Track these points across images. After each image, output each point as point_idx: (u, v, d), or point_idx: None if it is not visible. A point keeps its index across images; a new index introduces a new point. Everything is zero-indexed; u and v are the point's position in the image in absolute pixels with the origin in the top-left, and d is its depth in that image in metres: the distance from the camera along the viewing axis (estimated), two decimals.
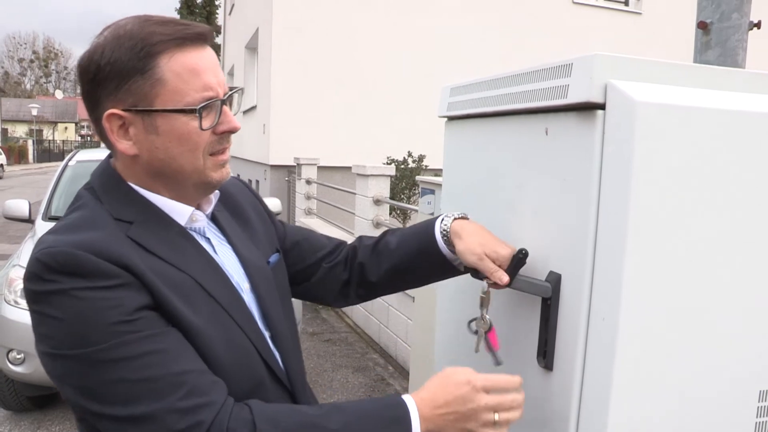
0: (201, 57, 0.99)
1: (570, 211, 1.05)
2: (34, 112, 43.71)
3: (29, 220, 4.75)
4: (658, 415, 1.01)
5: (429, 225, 1.25)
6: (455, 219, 1.23)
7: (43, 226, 4.31)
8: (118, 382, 0.87)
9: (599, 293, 1.00)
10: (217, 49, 24.71)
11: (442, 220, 1.24)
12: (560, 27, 11.47)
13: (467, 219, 1.24)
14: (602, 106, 0.98)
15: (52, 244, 0.91)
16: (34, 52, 69.95)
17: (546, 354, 1.10)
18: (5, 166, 29.76)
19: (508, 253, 1.14)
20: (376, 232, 1.28)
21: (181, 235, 1.04)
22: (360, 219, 6.20)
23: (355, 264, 1.32)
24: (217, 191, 1.12)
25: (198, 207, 1.09)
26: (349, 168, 6.51)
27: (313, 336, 5.70)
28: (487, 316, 1.18)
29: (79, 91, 1.06)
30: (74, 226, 0.96)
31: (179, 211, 1.05)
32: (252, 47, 13.46)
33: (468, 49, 10.80)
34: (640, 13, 12.60)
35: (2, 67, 67.99)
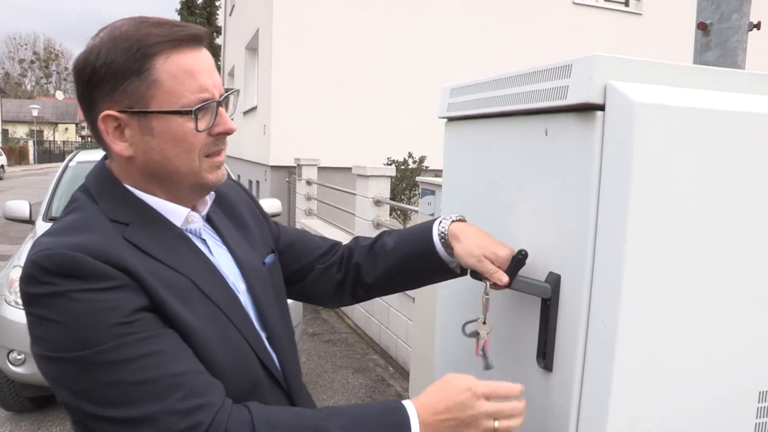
0: (197, 58, 0.99)
1: (569, 212, 1.05)
2: (35, 113, 43.73)
3: (30, 221, 4.75)
4: (658, 416, 1.02)
5: (426, 227, 1.25)
6: (453, 221, 1.23)
7: (43, 227, 4.31)
8: (116, 384, 0.87)
9: (599, 294, 1.00)
10: (217, 49, 24.76)
11: (440, 222, 1.24)
12: (560, 27, 11.47)
13: (464, 221, 1.24)
14: (602, 107, 0.98)
15: (48, 246, 0.91)
16: (34, 53, 70.00)
17: (546, 355, 1.10)
18: (6, 167, 29.77)
19: (507, 254, 1.14)
20: (377, 233, 1.30)
21: (177, 236, 1.04)
22: (360, 220, 6.20)
23: (351, 265, 1.32)
24: (212, 192, 1.12)
25: (193, 208, 1.09)
26: (350, 169, 6.51)
27: (314, 337, 5.70)
28: (489, 320, 1.18)
29: None
30: (70, 228, 0.96)
31: (175, 213, 1.05)
32: (252, 48, 13.46)
33: (468, 49, 10.80)
34: (640, 14, 12.60)
35: (3, 68, 68.08)
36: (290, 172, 9.94)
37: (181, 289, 0.97)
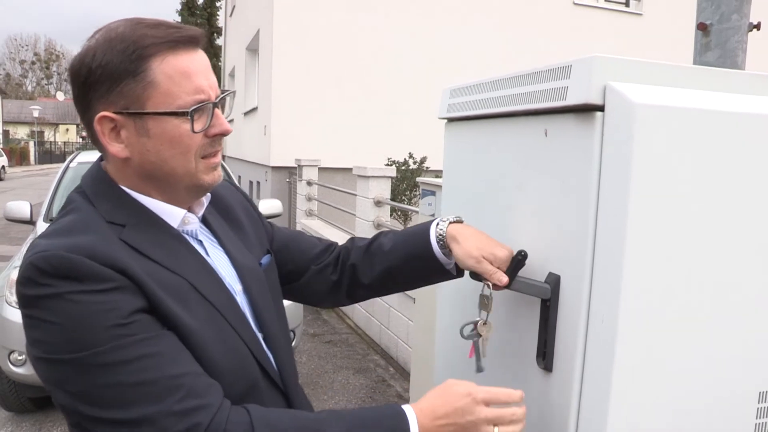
0: (193, 60, 0.99)
1: (569, 212, 1.05)
2: (36, 114, 43.76)
3: (30, 222, 4.76)
4: (658, 416, 1.02)
5: (423, 229, 1.25)
6: (450, 223, 1.23)
7: (44, 228, 4.28)
8: (114, 385, 0.87)
9: (598, 295, 1.00)
10: (217, 50, 24.79)
11: (438, 224, 1.24)
12: (561, 28, 11.47)
13: (462, 222, 1.24)
14: (601, 108, 0.99)
15: (45, 247, 0.91)
16: (35, 54, 70.02)
17: (545, 355, 1.11)
18: (7, 168, 29.78)
19: (506, 254, 1.15)
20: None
21: (174, 237, 1.04)
22: (361, 220, 6.20)
23: (347, 266, 1.32)
24: (208, 194, 1.12)
25: (189, 209, 1.09)
26: (350, 169, 6.52)
27: (314, 337, 5.70)
28: (489, 321, 1.18)
29: None
30: (67, 229, 0.96)
31: (171, 214, 1.05)
32: (253, 49, 13.47)
33: (469, 50, 10.80)
34: (640, 14, 12.60)
35: (3, 69, 68.11)
36: (291, 172, 9.94)
37: (179, 290, 0.97)
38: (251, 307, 1.13)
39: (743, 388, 1.07)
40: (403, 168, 9.11)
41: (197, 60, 1.00)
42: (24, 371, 3.56)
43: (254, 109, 12.56)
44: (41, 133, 51.08)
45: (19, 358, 3.55)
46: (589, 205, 1.00)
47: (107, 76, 0.95)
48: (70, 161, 5.21)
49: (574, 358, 1.03)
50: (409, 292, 4.52)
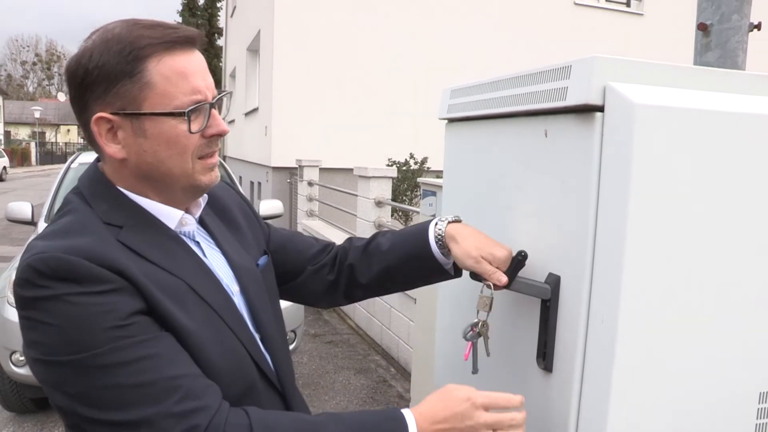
0: (189, 60, 0.99)
1: (569, 213, 1.05)
2: (37, 115, 43.76)
3: (32, 223, 4.76)
4: (658, 417, 1.02)
5: (422, 229, 1.25)
6: (449, 222, 1.23)
7: None
8: (113, 387, 0.87)
9: (598, 295, 1.00)
10: (218, 51, 24.80)
11: (436, 224, 1.24)
12: (562, 28, 11.47)
13: (461, 222, 1.24)
14: (601, 109, 0.99)
15: (43, 249, 0.90)
16: (36, 55, 70.10)
17: (545, 356, 1.11)
18: (8, 169, 29.80)
19: (504, 254, 1.14)
20: None
21: (172, 239, 1.04)
22: (362, 221, 6.20)
23: (345, 266, 1.32)
24: (205, 195, 1.12)
25: (187, 210, 1.09)
26: (351, 170, 6.52)
27: (315, 338, 5.70)
28: (488, 321, 1.18)
29: None
30: (64, 231, 0.96)
31: (169, 215, 1.04)
32: (254, 49, 13.47)
33: (469, 50, 10.80)
34: (641, 14, 12.59)
35: (5, 70, 68.15)
36: (292, 173, 9.95)
37: (177, 291, 0.97)
38: (248, 307, 1.13)
39: (743, 388, 1.07)
40: (403, 168, 9.11)
41: (194, 61, 1.00)
42: (26, 372, 3.56)
43: (255, 110, 12.57)
44: (42, 133, 51.11)
45: (21, 358, 3.55)
46: (589, 205, 1.00)
47: (104, 77, 0.95)
48: (71, 162, 5.22)
49: (574, 359, 1.04)
50: (410, 293, 4.52)
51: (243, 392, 1.02)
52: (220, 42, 24.68)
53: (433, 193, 3.23)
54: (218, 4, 26.94)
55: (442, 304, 1.58)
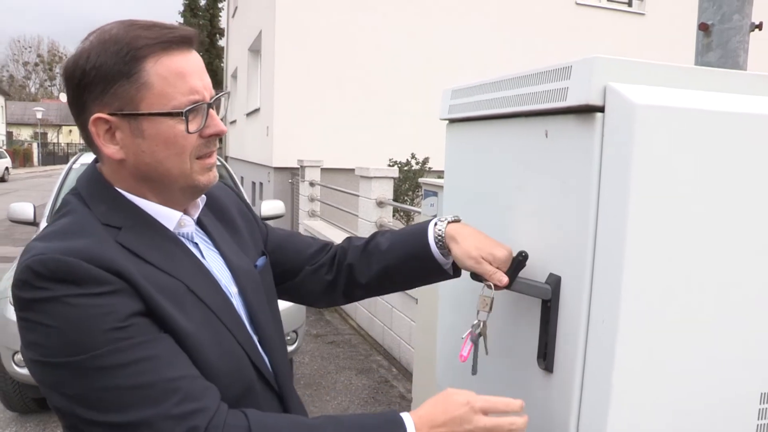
0: (187, 61, 0.99)
1: (570, 213, 1.05)
2: (39, 116, 43.86)
3: (34, 223, 4.77)
4: (658, 417, 1.02)
5: (421, 228, 1.25)
6: (449, 222, 1.23)
7: None
8: (112, 389, 0.87)
9: (599, 296, 1.00)
10: (220, 51, 24.80)
11: (436, 224, 1.23)
12: (563, 28, 11.46)
13: (460, 222, 1.24)
14: (601, 109, 0.99)
15: (42, 251, 0.90)
16: (38, 56, 70.20)
17: (546, 356, 1.11)
18: (10, 169, 29.85)
19: (505, 254, 1.14)
20: None
21: (170, 240, 1.04)
22: (363, 221, 6.21)
23: (344, 265, 1.32)
24: (203, 196, 1.12)
25: (185, 212, 1.09)
26: (353, 170, 6.52)
27: (317, 338, 5.71)
28: (487, 321, 1.18)
29: None
30: (63, 232, 0.95)
31: (168, 216, 1.04)
32: (255, 50, 13.48)
33: (470, 50, 10.80)
34: (643, 14, 12.58)
35: (7, 71, 68.23)
36: (293, 173, 9.95)
37: (175, 293, 0.97)
38: (246, 309, 1.13)
39: (744, 389, 1.07)
40: (405, 168, 9.11)
41: (191, 61, 1.00)
42: (28, 372, 3.56)
43: (257, 110, 12.58)
44: (44, 134, 51.19)
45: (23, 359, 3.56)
46: (589, 205, 1.00)
47: (101, 77, 0.95)
48: (73, 162, 5.22)
49: (575, 359, 1.04)
50: (411, 293, 4.52)
51: (241, 393, 1.02)
52: (222, 42, 24.70)
53: (435, 194, 3.23)
54: (219, 5, 26.98)
55: (443, 305, 1.58)
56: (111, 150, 0.99)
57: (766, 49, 5.77)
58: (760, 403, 1.07)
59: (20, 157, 39.08)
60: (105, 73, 0.95)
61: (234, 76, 17.72)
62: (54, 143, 51.50)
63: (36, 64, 70.22)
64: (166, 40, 0.97)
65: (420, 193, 7.60)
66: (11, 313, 3.57)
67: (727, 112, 1.00)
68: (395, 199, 7.07)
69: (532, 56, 9.13)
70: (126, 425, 0.87)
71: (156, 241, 1.01)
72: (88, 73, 0.95)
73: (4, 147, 37.21)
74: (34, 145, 44.85)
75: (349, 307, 6.38)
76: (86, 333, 0.87)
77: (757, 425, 1.08)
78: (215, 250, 1.13)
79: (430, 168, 9.26)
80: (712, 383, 1.04)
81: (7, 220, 4.91)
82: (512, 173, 1.23)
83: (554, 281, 1.09)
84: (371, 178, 5.92)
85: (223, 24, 24.55)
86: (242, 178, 13.74)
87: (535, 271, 1.14)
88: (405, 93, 10.47)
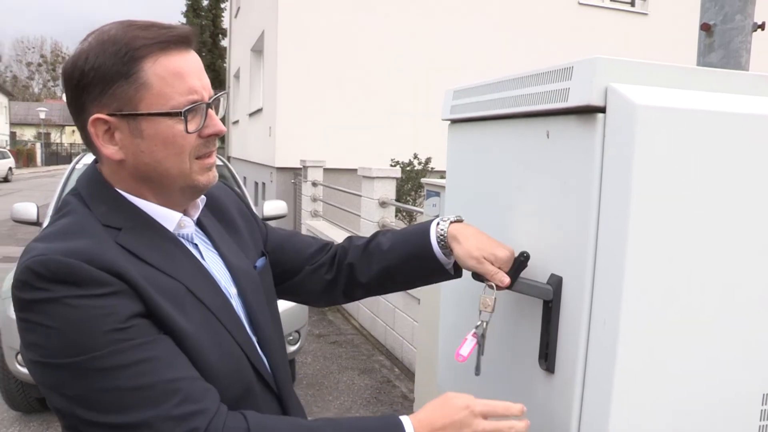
0: (185, 60, 0.99)
1: (571, 213, 1.05)
2: (42, 116, 43.89)
3: (37, 223, 4.78)
4: (660, 418, 1.01)
5: (423, 228, 1.25)
6: (451, 222, 1.23)
7: None
8: (112, 390, 0.87)
9: (600, 296, 1.00)
10: (222, 51, 24.82)
11: (438, 224, 1.23)
12: (566, 28, 11.45)
13: (462, 222, 1.24)
14: (603, 110, 0.99)
15: (42, 251, 0.90)
16: (41, 56, 70.31)
17: (548, 356, 1.11)
18: (14, 169, 29.90)
19: (506, 255, 1.15)
20: None
21: (170, 241, 1.04)
22: (366, 221, 6.21)
23: (344, 265, 1.32)
24: (203, 196, 1.12)
25: (185, 212, 1.09)
26: (355, 170, 6.53)
27: (320, 338, 5.71)
28: (489, 322, 1.18)
29: None
30: (63, 232, 0.95)
31: (167, 217, 1.04)
32: (258, 50, 13.50)
33: (473, 50, 10.80)
34: (646, 14, 12.56)
35: (11, 71, 68.37)
36: (296, 173, 9.96)
37: (175, 294, 0.97)
38: (246, 310, 1.13)
39: (746, 390, 1.06)
40: (407, 169, 9.11)
41: (190, 61, 1.00)
42: None
43: (259, 110, 12.59)
44: (48, 134, 51.27)
45: None
46: (590, 206, 1.00)
47: (100, 78, 0.95)
48: (76, 163, 5.23)
49: (576, 360, 1.04)
50: (413, 293, 4.52)
51: (240, 395, 1.03)
52: (224, 43, 24.73)
53: (437, 194, 3.23)
54: (222, 5, 27.01)
55: (445, 305, 1.58)
56: (110, 150, 0.99)
57: None
58: (762, 404, 1.07)
59: (23, 157, 39.18)
60: (104, 73, 0.95)
61: (237, 76, 17.73)
62: (57, 143, 51.62)
63: (39, 65, 70.34)
64: (164, 40, 0.97)
65: (422, 194, 7.60)
66: (14, 313, 3.58)
67: (729, 113, 1.00)
68: (398, 200, 7.07)
69: (535, 56, 9.11)
70: (126, 426, 0.87)
71: (156, 242, 1.01)
72: (87, 74, 0.96)
73: (8, 147, 37.28)
74: (38, 146, 44.97)
75: (352, 307, 6.38)
76: (86, 334, 0.87)
77: (760, 426, 1.08)
78: (215, 251, 1.13)
79: (432, 168, 9.26)
80: (713, 384, 1.04)
81: (11, 220, 4.91)
82: (514, 173, 1.23)
83: (555, 282, 1.09)
84: (374, 178, 5.93)
85: (225, 24, 24.59)
86: (245, 178, 13.75)
87: (536, 271, 1.14)
88: (407, 93, 10.48)
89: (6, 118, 46.91)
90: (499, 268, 1.14)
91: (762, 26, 2.02)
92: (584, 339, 1.02)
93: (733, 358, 1.04)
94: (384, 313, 5.46)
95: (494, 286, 1.15)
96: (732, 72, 1.13)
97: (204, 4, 27.49)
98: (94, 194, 1.02)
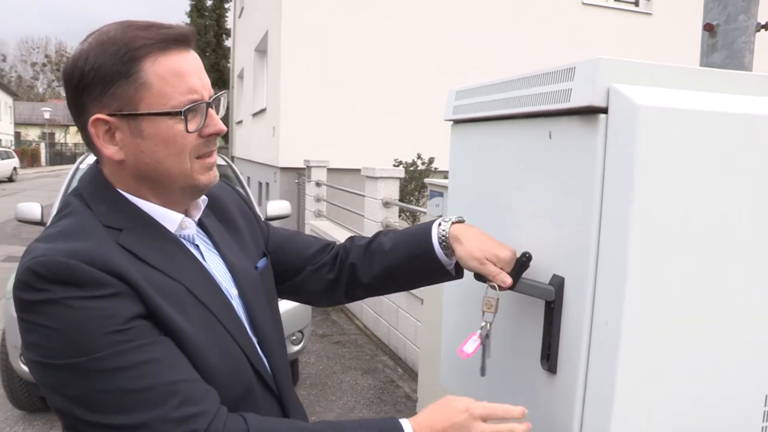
0: (185, 60, 0.99)
1: (573, 214, 1.05)
2: (47, 116, 43.96)
3: (41, 223, 4.79)
4: (662, 419, 1.01)
5: (425, 229, 1.25)
6: (453, 223, 1.23)
7: None
8: (112, 391, 0.87)
9: (602, 297, 1.00)
10: (226, 51, 24.85)
11: (439, 224, 1.23)
12: (570, 28, 11.44)
13: (464, 222, 1.24)
14: (605, 110, 0.98)
15: (43, 252, 0.90)
16: (46, 56, 70.50)
17: (549, 357, 1.11)
18: (18, 169, 29.97)
19: (508, 255, 1.15)
20: None
21: (171, 242, 1.04)
22: (369, 221, 6.21)
23: (346, 265, 1.32)
24: (205, 197, 1.12)
25: (186, 213, 1.09)
26: (359, 170, 6.53)
27: (323, 338, 5.71)
28: (488, 322, 1.19)
29: None
30: (65, 233, 0.95)
31: (169, 218, 1.04)
32: (261, 50, 13.51)
33: (477, 50, 10.79)
34: (650, 14, 12.54)
35: (15, 72, 68.59)
36: (299, 173, 9.97)
37: (176, 295, 0.97)
38: (246, 311, 1.13)
39: (749, 391, 1.06)
40: (411, 169, 9.11)
41: (189, 60, 1.00)
42: None
43: (263, 111, 12.60)
44: (52, 134, 51.40)
45: None
46: (592, 207, 1.00)
47: (100, 78, 0.95)
48: (80, 162, 5.24)
49: (578, 360, 1.04)
50: (416, 293, 4.52)
51: (240, 396, 1.03)
52: (228, 43, 24.76)
53: (440, 194, 3.23)
54: (226, 5, 27.02)
55: (448, 305, 1.58)
56: (111, 151, 0.99)
57: None
58: (765, 405, 1.07)
59: (28, 157, 39.26)
60: (103, 74, 0.95)
61: (240, 76, 17.76)
62: (61, 143, 51.74)
63: (44, 65, 70.52)
64: (163, 39, 0.97)
65: (426, 194, 7.59)
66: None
67: (732, 113, 1.00)
68: (401, 200, 7.07)
69: (539, 57, 9.11)
70: (125, 427, 0.87)
71: (157, 243, 1.01)
72: (87, 75, 0.96)
73: (12, 147, 37.42)
74: (42, 145, 45.05)
75: (355, 307, 6.39)
76: (87, 335, 0.87)
77: (762, 427, 1.07)
78: (216, 252, 1.13)
79: (435, 168, 9.26)
80: (715, 385, 1.04)
81: (15, 220, 4.93)
82: (516, 174, 1.23)
83: (558, 282, 1.09)
84: (377, 178, 5.93)
85: (229, 24, 24.62)
86: (248, 178, 13.76)
87: (538, 272, 1.14)
88: (410, 93, 10.48)
89: (11, 118, 47.07)
90: (501, 268, 1.14)
91: (765, 26, 2.01)
92: (586, 340, 1.02)
93: (736, 359, 1.04)
94: (387, 313, 5.46)
95: (496, 287, 1.15)
96: (735, 72, 1.13)
97: (208, 5, 27.51)
98: (96, 195, 1.02)
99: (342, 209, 7.88)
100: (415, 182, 8.96)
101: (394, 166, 8.71)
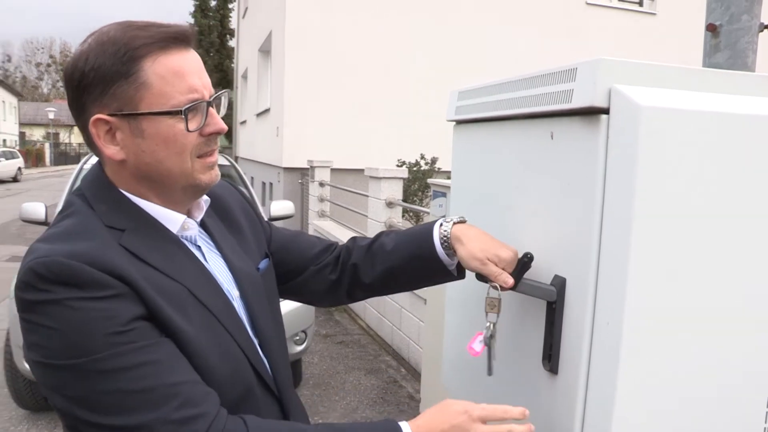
0: (185, 59, 0.99)
1: (575, 214, 1.05)
2: (51, 116, 44.09)
3: (45, 223, 4.81)
4: (663, 420, 1.01)
5: (426, 229, 1.25)
6: (455, 223, 1.23)
7: None
8: (112, 392, 0.87)
9: (603, 298, 1.00)
10: (230, 51, 24.87)
11: (441, 225, 1.23)
12: (574, 28, 11.42)
13: (465, 222, 1.24)
14: (606, 111, 0.98)
15: (46, 253, 0.90)
16: (50, 57, 70.66)
17: (551, 357, 1.11)
18: (23, 169, 30.07)
19: (510, 256, 1.15)
20: None
21: (173, 242, 1.04)
22: (373, 221, 6.21)
23: (348, 265, 1.32)
24: (207, 197, 1.12)
25: (188, 213, 1.09)
26: (362, 170, 6.53)
27: (326, 338, 5.72)
28: (492, 323, 1.19)
29: None
30: (67, 233, 0.96)
31: (171, 219, 1.04)
32: (265, 50, 13.53)
33: (480, 50, 10.78)
34: (654, 14, 12.51)
35: (20, 72, 68.79)
36: (303, 173, 9.98)
37: (177, 296, 0.97)
38: (248, 312, 1.13)
39: (751, 392, 1.06)
40: (414, 169, 9.10)
41: (189, 59, 1.00)
42: None
43: (267, 111, 12.62)
44: (56, 134, 51.52)
45: None
46: (594, 207, 1.00)
47: (100, 78, 0.96)
48: (84, 162, 5.25)
49: (580, 361, 1.04)
50: (419, 293, 4.52)
51: (241, 397, 1.03)
52: (232, 43, 24.77)
53: (444, 194, 3.23)
54: (230, 6, 27.05)
55: (450, 306, 1.58)
56: (111, 151, 1.00)
57: None
58: (767, 406, 1.07)
59: (32, 157, 39.39)
60: (103, 74, 0.96)
61: (244, 76, 17.78)
62: (66, 143, 51.88)
63: (48, 65, 70.68)
64: (163, 39, 0.97)
65: (429, 194, 7.60)
66: None
67: (734, 114, 1.00)
68: (404, 200, 7.07)
69: (542, 57, 9.09)
70: (125, 428, 0.87)
71: (158, 244, 1.01)
72: (87, 75, 0.96)
73: (17, 147, 37.53)
74: (46, 145, 45.21)
75: (359, 307, 6.39)
76: (87, 336, 0.87)
77: (765, 428, 1.07)
78: (217, 253, 1.13)
79: (439, 168, 9.25)
80: (718, 386, 1.04)
81: (19, 220, 4.95)
82: (518, 174, 1.24)
83: (559, 283, 1.09)
84: (380, 178, 5.93)
85: (233, 25, 24.63)
86: (252, 178, 13.78)
87: (540, 272, 1.14)
88: (413, 93, 10.48)
89: (15, 118, 47.21)
90: (503, 269, 1.14)
91: None
92: (588, 340, 1.02)
93: (737, 360, 1.04)
94: (390, 314, 5.46)
95: (498, 287, 1.15)
96: (736, 73, 1.13)
97: (212, 5, 27.54)
98: (98, 195, 1.02)
99: (345, 209, 7.89)
100: (419, 182, 8.96)
101: (398, 166, 8.70)
